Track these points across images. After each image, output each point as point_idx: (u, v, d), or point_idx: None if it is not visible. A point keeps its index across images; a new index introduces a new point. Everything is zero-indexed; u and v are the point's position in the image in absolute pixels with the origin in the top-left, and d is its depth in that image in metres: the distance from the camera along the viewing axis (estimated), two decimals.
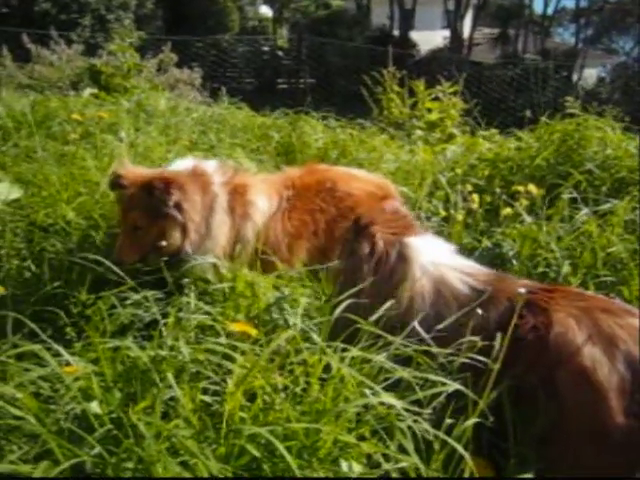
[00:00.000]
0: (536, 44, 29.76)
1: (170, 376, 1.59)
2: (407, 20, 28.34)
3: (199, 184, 2.77)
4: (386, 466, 1.47)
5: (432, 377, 1.67)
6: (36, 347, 1.70)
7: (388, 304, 1.87)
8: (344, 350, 1.72)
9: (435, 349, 1.76)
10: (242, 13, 29.15)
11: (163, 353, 1.75)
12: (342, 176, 3.16)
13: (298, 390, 1.66)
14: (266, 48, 23.99)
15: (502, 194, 3.50)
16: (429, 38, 27.52)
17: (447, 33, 29.58)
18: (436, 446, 1.52)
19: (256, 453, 1.44)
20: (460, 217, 3.34)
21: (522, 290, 1.75)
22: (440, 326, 1.82)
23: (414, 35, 27.81)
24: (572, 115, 4.60)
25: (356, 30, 26.85)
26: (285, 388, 1.66)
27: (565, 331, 1.69)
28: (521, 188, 3.49)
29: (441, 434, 1.51)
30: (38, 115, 4.97)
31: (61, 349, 1.74)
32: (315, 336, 1.82)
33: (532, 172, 4.03)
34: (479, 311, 1.80)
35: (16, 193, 3.14)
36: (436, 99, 7.23)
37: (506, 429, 1.68)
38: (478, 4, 29.62)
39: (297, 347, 1.74)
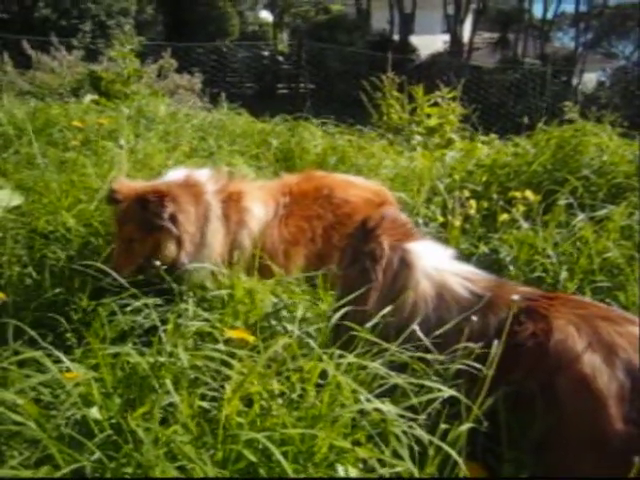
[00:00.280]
0: (536, 48, 29.81)
1: (169, 382, 1.61)
2: (407, 25, 28.40)
3: (192, 195, 2.78)
4: (381, 471, 1.49)
5: (427, 383, 1.69)
6: (37, 353, 1.72)
7: (389, 309, 1.90)
8: (341, 357, 1.74)
9: (430, 356, 1.78)
10: (242, 18, 29.20)
11: (162, 359, 1.77)
12: (339, 183, 3.18)
13: (294, 396, 1.67)
14: (266, 53, 24.01)
15: (499, 200, 3.53)
16: (429, 42, 27.56)
17: (447, 37, 29.64)
18: (431, 451, 1.54)
19: (253, 458, 1.46)
20: (458, 223, 3.36)
21: (517, 297, 1.78)
22: (439, 331, 1.84)
23: (414, 40, 27.87)
24: (570, 121, 4.62)
25: (356, 35, 26.88)
26: (282, 394, 1.68)
27: (565, 338, 1.70)
28: (518, 194, 3.52)
29: (435, 439, 1.53)
30: (39, 122, 4.99)
31: (62, 355, 1.76)
32: (312, 342, 1.84)
33: (529, 178, 4.06)
34: (474, 318, 1.82)
35: (17, 200, 3.15)
36: (435, 104, 7.26)
37: (502, 434, 1.70)
38: (478, 8, 29.67)
39: (293, 354, 1.76)
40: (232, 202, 2.89)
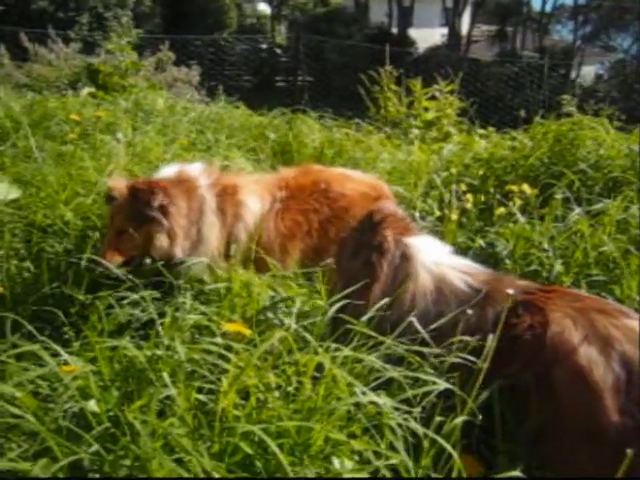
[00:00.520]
0: (534, 41, 29.80)
1: (166, 375, 1.62)
2: (405, 18, 28.37)
3: (185, 189, 2.78)
4: (376, 463, 1.50)
5: (422, 376, 1.71)
6: (35, 347, 1.73)
7: (383, 302, 1.91)
8: (336, 350, 1.75)
9: (426, 349, 1.80)
10: (240, 10, 29.15)
11: (159, 352, 1.78)
12: (336, 177, 3.19)
13: (291, 389, 1.68)
14: (264, 46, 23.96)
15: (496, 194, 3.54)
16: (427, 35, 27.52)
17: (445, 30, 29.59)
18: (425, 444, 1.55)
19: (249, 450, 1.47)
20: (454, 216, 3.37)
21: (513, 290, 1.79)
22: (435, 325, 1.85)
23: (412, 33, 27.84)
24: (568, 114, 4.63)
25: (354, 28, 26.83)
26: (278, 387, 1.69)
27: (561, 331, 1.71)
28: (515, 188, 3.53)
29: (430, 432, 1.54)
30: (36, 115, 4.99)
31: (59, 349, 1.77)
32: (308, 336, 1.85)
33: (526, 172, 4.06)
34: (469, 311, 1.84)
35: (14, 193, 3.15)
36: (433, 98, 7.25)
37: (497, 426, 1.71)
38: (476, 1, 29.63)
39: (290, 347, 1.77)
40: (227, 196, 2.89)
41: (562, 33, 39.39)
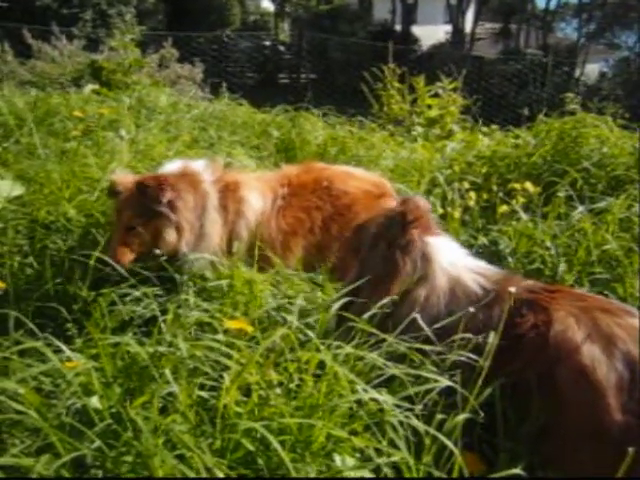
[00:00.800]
0: (538, 39, 29.70)
1: (168, 372, 1.63)
2: (409, 15, 28.31)
3: (190, 183, 2.79)
4: (378, 460, 1.50)
5: (424, 374, 1.71)
6: (38, 343, 1.73)
7: (389, 299, 1.92)
8: (338, 347, 1.76)
9: (428, 347, 1.80)
10: (244, 7, 29.12)
11: (162, 349, 1.78)
12: (339, 174, 3.18)
13: (292, 386, 1.69)
14: (267, 43, 23.92)
15: (499, 192, 3.53)
16: (431, 33, 27.46)
17: (449, 28, 29.51)
18: (427, 441, 1.55)
19: (251, 447, 1.48)
20: (457, 214, 3.37)
21: (515, 289, 1.79)
22: (439, 325, 1.86)
23: (416, 30, 27.76)
24: (572, 112, 4.62)
25: (358, 25, 26.80)
26: (280, 384, 1.69)
27: (565, 329, 1.72)
28: (518, 186, 3.53)
29: (431, 430, 1.54)
30: (40, 112, 4.98)
31: (62, 345, 1.78)
32: (310, 333, 1.86)
33: (529, 170, 4.06)
34: (471, 309, 1.85)
35: (18, 190, 3.15)
36: (436, 95, 7.25)
37: (498, 424, 1.71)
38: None
39: (292, 344, 1.77)
40: (229, 192, 2.89)
41: (566, 31, 39.43)
